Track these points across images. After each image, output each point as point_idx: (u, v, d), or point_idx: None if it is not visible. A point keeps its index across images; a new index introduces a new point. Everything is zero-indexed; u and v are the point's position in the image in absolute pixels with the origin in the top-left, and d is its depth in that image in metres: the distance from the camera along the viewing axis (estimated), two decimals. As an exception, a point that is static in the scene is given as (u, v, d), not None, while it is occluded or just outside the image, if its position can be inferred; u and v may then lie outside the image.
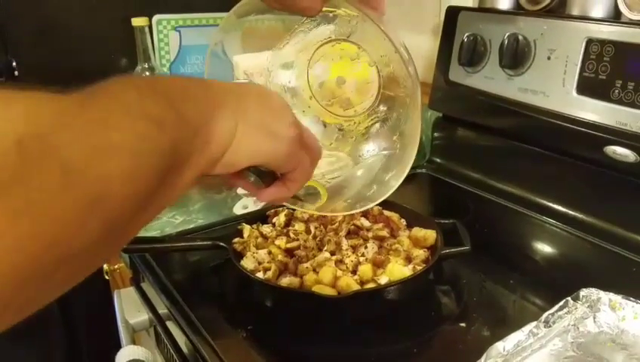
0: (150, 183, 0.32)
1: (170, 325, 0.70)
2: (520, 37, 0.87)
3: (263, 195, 0.50)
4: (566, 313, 0.59)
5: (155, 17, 1.08)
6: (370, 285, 0.64)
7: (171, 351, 0.68)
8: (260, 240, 0.74)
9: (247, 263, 0.69)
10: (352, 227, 0.74)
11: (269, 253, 0.70)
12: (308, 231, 0.75)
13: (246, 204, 0.93)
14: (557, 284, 0.69)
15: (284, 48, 0.68)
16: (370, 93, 0.65)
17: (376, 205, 0.77)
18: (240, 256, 0.71)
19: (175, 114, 0.35)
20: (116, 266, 0.93)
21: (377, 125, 0.66)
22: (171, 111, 0.34)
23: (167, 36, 1.10)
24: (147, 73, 1.01)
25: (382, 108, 0.65)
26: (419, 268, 0.65)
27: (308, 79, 0.67)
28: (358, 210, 0.66)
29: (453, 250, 0.68)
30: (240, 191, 0.94)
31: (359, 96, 0.66)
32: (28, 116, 0.25)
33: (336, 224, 0.75)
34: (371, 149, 0.67)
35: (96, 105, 0.30)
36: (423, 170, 1.10)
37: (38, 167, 0.25)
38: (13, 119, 0.25)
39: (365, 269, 0.65)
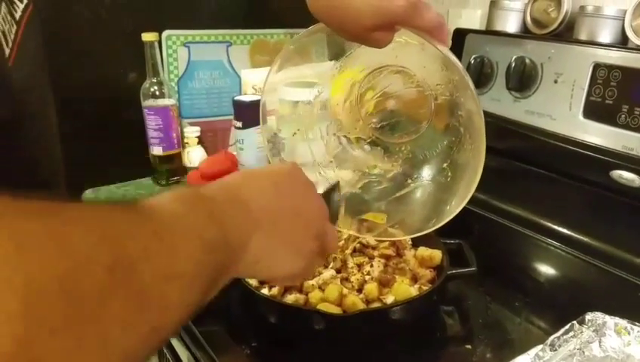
0: (195, 307, 0.32)
1: (173, 340, 0.69)
2: (527, 60, 0.88)
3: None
4: (571, 337, 0.59)
5: (165, 33, 1.09)
6: (376, 304, 0.64)
7: (174, 366, 0.68)
8: (265, 256, 0.74)
9: (252, 279, 0.68)
10: (358, 245, 0.74)
11: (275, 269, 0.70)
12: (313, 249, 0.75)
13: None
14: (562, 307, 0.69)
15: (350, 56, 0.67)
16: (422, 119, 0.66)
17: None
18: (245, 271, 0.71)
19: (223, 237, 0.36)
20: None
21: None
22: (220, 233, 0.35)
23: (176, 51, 1.11)
24: (155, 87, 1.02)
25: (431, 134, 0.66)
26: (425, 288, 0.65)
27: (359, 100, 0.67)
28: (403, 237, 0.68)
29: (460, 270, 0.68)
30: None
31: (409, 121, 0.67)
32: (117, 241, 0.25)
33: (342, 242, 0.75)
34: (419, 174, 0.68)
35: (168, 232, 0.30)
36: (428, 190, 1.10)
37: (124, 292, 0.25)
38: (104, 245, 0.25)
39: (371, 288, 0.65)
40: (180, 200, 0.34)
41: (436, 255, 0.71)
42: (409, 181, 0.68)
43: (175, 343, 0.68)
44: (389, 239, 0.71)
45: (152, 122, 1.04)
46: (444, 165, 0.65)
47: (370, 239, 0.73)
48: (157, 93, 1.03)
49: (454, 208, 0.61)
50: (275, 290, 0.66)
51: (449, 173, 0.64)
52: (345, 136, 0.70)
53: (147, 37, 1.01)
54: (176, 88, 1.13)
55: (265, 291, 0.66)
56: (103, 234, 0.25)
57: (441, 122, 0.65)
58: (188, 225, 0.33)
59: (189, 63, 1.14)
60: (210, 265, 0.34)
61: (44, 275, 0.21)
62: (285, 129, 0.69)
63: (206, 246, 0.33)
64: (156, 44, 1.03)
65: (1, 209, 0.22)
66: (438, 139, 0.65)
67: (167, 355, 0.70)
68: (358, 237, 0.75)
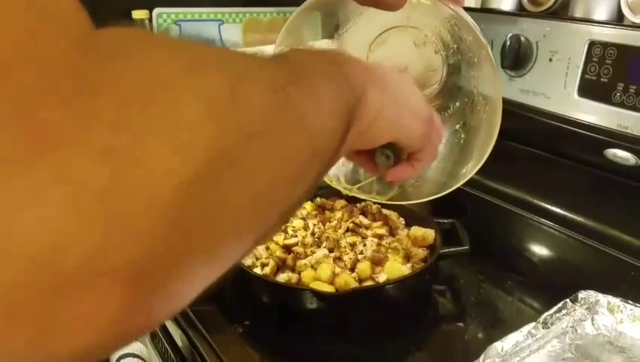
0: (339, 140, 0.33)
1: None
2: (522, 38, 0.87)
3: (391, 175, 0.50)
4: (564, 315, 0.59)
5: (156, 10, 1.07)
6: (369, 283, 0.64)
7: (166, 345, 0.68)
8: (257, 235, 0.73)
9: (245, 258, 0.68)
10: (351, 224, 0.74)
11: (267, 248, 0.70)
12: (306, 228, 0.74)
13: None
14: (555, 286, 0.69)
15: (344, 34, 0.67)
16: (433, 80, 0.65)
17: (376, 204, 0.77)
18: (237, 251, 0.70)
19: (346, 79, 0.36)
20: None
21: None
22: (343, 76, 0.36)
23: (167, 30, 1.10)
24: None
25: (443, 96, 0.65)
26: (418, 266, 0.65)
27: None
28: (426, 199, 0.66)
29: (452, 249, 0.68)
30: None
31: (421, 82, 0.66)
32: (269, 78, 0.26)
33: (335, 221, 0.75)
34: None
35: (304, 74, 0.31)
36: (422, 170, 1.10)
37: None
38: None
39: (364, 267, 0.65)
40: (292, 51, 0.35)
41: (429, 234, 0.71)
42: None
43: (168, 323, 0.68)
44: (405, 202, 0.70)
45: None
46: (457, 127, 0.64)
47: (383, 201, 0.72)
48: (148, 72, 1.02)
49: (469, 171, 0.61)
50: (267, 269, 0.65)
51: (462, 135, 0.64)
52: None
53: (138, 15, 1.00)
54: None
55: (257, 270, 0.66)
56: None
57: (453, 83, 0.64)
58: (318, 68, 0.34)
59: (180, 41, 1.12)
60: (348, 102, 0.35)
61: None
62: None
63: (337, 85, 0.34)
64: (147, 22, 1.01)
65: None
66: (450, 100, 0.65)
67: (160, 335, 0.70)
68: (351, 217, 0.75)
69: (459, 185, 0.62)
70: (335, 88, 0.33)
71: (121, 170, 0.17)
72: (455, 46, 0.62)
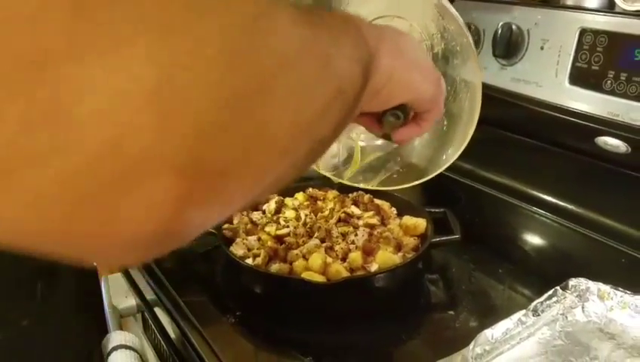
0: (359, 87, 0.34)
1: (158, 311, 0.69)
2: (514, 26, 0.87)
3: (399, 135, 0.52)
4: (555, 302, 0.59)
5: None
6: (360, 272, 0.64)
7: (159, 336, 0.68)
8: (249, 226, 0.73)
9: (237, 249, 0.68)
10: (343, 215, 0.74)
11: (259, 239, 0.70)
12: (298, 219, 0.74)
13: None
14: (546, 274, 0.70)
15: None
16: None
17: (368, 194, 0.78)
18: (229, 242, 0.70)
19: (362, 36, 0.36)
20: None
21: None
22: (359, 32, 0.36)
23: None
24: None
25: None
26: (409, 255, 0.65)
27: None
28: (398, 187, 0.69)
29: (443, 238, 0.68)
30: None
31: None
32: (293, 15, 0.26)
33: (327, 211, 0.75)
34: None
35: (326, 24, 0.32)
36: (415, 160, 1.10)
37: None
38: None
39: (355, 257, 0.65)
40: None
41: (420, 223, 0.71)
42: None
43: (160, 313, 0.68)
44: (389, 188, 0.72)
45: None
46: None
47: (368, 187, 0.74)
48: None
49: (450, 157, 0.63)
50: (259, 260, 0.65)
51: (445, 122, 0.65)
52: None
53: None
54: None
55: (249, 261, 0.66)
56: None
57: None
58: (335, 23, 0.34)
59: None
60: (363, 56, 0.35)
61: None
62: None
63: (354, 39, 0.35)
64: None
65: None
66: None
67: (153, 326, 0.70)
68: (342, 207, 0.75)
69: (441, 170, 0.64)
70: (352, 41, 0.34)
71: (172, 71, 0.19)
72: (439, 35, 0.63)
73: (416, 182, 0.66)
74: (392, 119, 0.48)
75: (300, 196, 0.80)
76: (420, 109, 0.50)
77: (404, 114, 0.48)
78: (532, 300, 0.58)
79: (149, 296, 0.71)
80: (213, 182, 0.22)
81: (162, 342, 0.67)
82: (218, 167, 0.21)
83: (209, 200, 0.22)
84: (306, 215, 0.74)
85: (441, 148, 0.65)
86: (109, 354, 0.64)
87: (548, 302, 0.59)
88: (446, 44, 0.63)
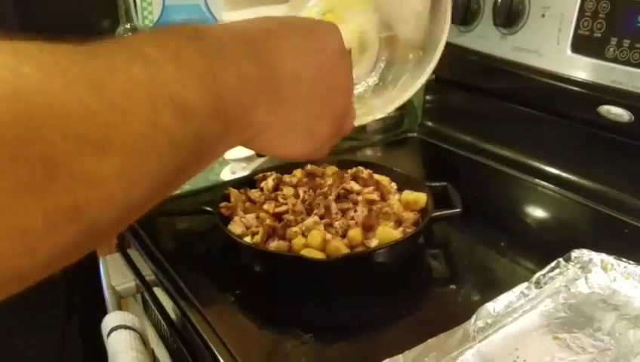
0: (167, 177, 0.29)
1: (157, 291, 0.69)
2: (514, -6, 0.85)
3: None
4: (557, 274, 0.58)
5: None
6: (360, 248, 0.63)
7: (159, 316, 0.68)
8: (247, 204, 0.72)
9: (235, 227, 0.67)
10: (342, 191, 0.72)
11: (257, 217, 0.69)
12: (297, 196, 0.73)
13: (234, 169, 0.92)
14: (548, 246, 0.69)
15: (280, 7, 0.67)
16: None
17: (367, 169, 0.77)
18: (227, 220, 0.69)
19: (212, 101, 0.30)
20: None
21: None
22: (209, 97, 0.30)
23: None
24: (130, 34, 0.98)
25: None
26: (409, 230, 0.64)
27: None
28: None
29: (444, 212, 0.67)
30: (227, 156, 0.92)
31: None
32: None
33: (326, 188, 0.74)
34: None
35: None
36: (414, 134, 1.09)
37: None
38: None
39: (355, 233, 0.64)
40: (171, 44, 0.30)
41: (421, 198, 0.70)
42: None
43: (159, 293, 0.68)
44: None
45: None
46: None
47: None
48: (132, 40, 0.99)
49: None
50: (257, 238, 0.64)
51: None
52: None
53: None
54: (153, 35, 1.09)
55: (247, 239, 0.65)
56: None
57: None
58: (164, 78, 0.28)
59: (163, 8, 1.09)
60: (185, 133, 0.29)
61: None
62: None
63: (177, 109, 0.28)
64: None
65: None
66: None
67: (152, 306, 0.70)
68: (341, 183, 0.74)
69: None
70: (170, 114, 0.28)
71: None
72: None
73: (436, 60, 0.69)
74: None
75: (298, 173, 0.79)
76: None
77: None
78: (534, 272, 0.58)
79: (148, 276, 0.71)
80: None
81: (162, 322, 0.67)
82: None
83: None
84: (305, 192, 0.73)
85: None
86: (108, 334, 0.64)
87: (550, 274, 0.58)
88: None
